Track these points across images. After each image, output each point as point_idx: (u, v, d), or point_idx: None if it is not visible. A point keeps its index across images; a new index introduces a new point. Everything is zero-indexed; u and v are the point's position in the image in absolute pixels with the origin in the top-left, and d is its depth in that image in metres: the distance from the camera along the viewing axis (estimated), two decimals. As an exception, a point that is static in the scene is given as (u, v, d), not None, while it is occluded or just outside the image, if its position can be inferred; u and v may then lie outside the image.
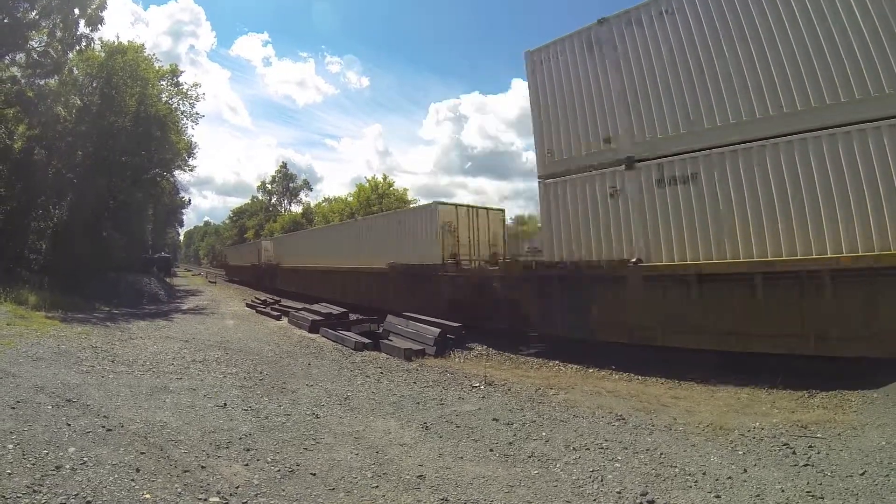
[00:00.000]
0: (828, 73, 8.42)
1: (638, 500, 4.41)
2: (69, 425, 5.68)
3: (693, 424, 6.50)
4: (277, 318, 18.95)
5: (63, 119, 24.54)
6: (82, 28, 24.80)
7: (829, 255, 8.28)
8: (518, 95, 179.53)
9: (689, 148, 9.97)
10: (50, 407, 6.32)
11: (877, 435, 5.76)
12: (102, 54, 25.87)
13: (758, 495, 4.45)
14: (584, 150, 11.81)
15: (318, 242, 29.69)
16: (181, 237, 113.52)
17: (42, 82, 24.08)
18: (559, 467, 5.18)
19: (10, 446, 4.92)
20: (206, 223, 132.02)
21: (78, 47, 24.86)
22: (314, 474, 4.85)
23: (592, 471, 5.05)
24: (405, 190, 50.05)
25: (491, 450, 5.71)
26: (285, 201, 77.00)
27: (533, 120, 13.05)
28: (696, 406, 7.42)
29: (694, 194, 9.86)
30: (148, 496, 4.15)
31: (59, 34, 23.87)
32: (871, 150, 8.00)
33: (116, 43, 26.68)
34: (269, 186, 78.05)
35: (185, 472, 4.71)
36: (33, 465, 4.55)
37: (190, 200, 60.19)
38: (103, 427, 5.71)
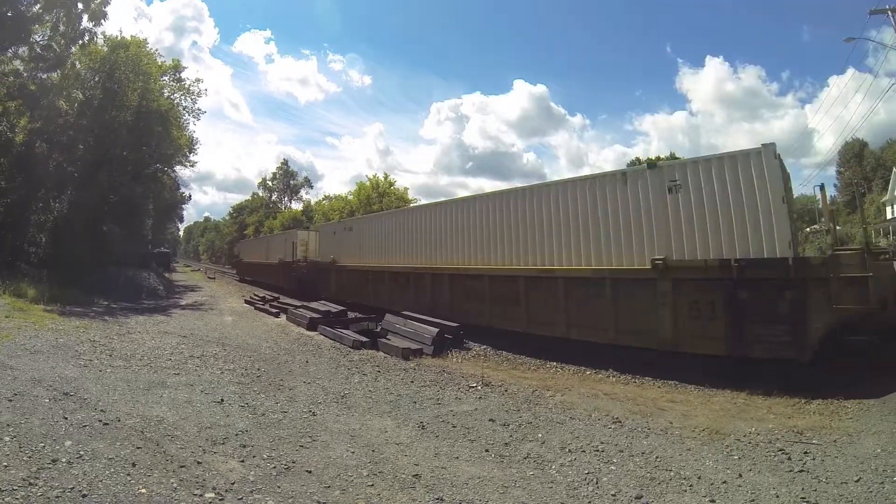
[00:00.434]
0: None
1: (632, 503, 4.43)
2: (66, 419, 5.68)
3: (689, 428, 6.51)
4: (276, 315, 18.90)
5: (65, 113, 24.57)
6: (85, 22, 24.87)
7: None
8: (519, 96, 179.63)
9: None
10: (47, 400, 6.32)
11: (872, 442, 5.79)
12: (105, 49, 25.89)
13: (752, 500, 4.46)
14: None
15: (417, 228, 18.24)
16: (181, 233, 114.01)
17: (44, 76, 24.04)
18: (555, 469, 5.19)
19: (7, 439, 4.92)
20: (206, 219, 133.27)
21: (81, 41, 24.86)
22: (310, 472, 4.85)
23: (588, 473, 5.06)
24: (405, 189, 50.17)
25: (487, 450, 5.71)
26: (286, 198, 77.29)
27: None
28: (693, 410, 7.42)
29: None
30: (143, 491, 4.15)
31: (62, 28, 23.91)
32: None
33: (119, 38, 26.76)
34: (269, 183, 78.46)
35: (182, 467, 4.70)
36: (30, 457, 4.55)
37: (190, 196, 60.40)
38: (100, 421, 5.71)
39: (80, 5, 24.14)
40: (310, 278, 26.75)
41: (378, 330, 13.91)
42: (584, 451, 5.67)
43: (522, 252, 13.26)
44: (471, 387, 8.80)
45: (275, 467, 4.90)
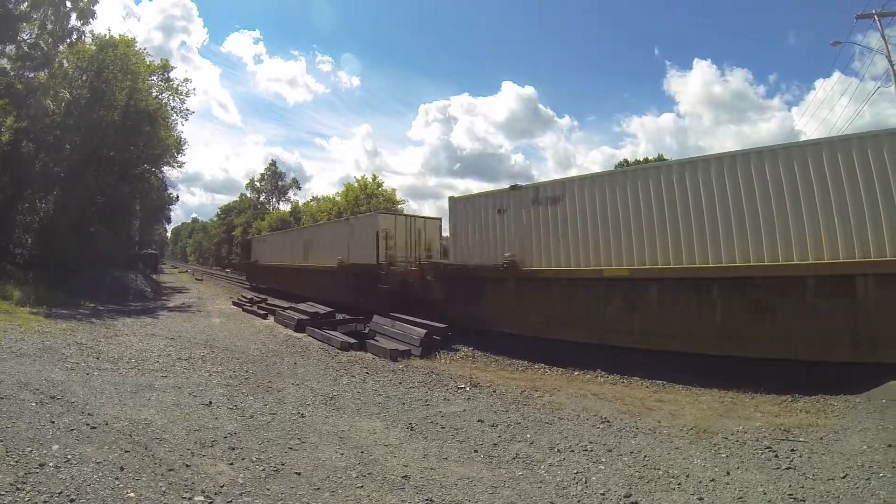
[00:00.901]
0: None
1: (622, 502, 4.46)
2: (53, 423, 5.62)
3: (677, 427, 6.55)
4: (264, 316, 18.83)
5: (51, 112, 24.29)
6: (73, 21, 24.74)
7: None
8: (508, 97, 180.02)
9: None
10: (34, 404, 6.25)
11: (858, 439, 5.83)
12: (93, 48, 25.62)
13: (740, 497, 4.49)
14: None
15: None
16: (168, 234, 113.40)
17: (31, 75, 23.83)
18: (543, 469, 5.21)
19: (-7, 443, 4.87)
20: (194, 220, 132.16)
21: (69, 40, 24.69)
22: (299, 474, 4.85)
23: (577, 472, 5.08)
24: (393, 190, 50.05)
25: (475, 451, 5.73)
26: (274, 199, 76.90)
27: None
28: (681, 409, 7.47)
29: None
30: (132, 495, 4.12)
31: (49, 27, 23.72)
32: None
33: (108, 37, 26.48)
34: (257, 184, 77.94)
35: (170, 470, 4.68)
36: (16, 462, 4.50)
37: (178, 197, 59.63)
38: (87, 425, 5.67)
39: (68, 4, 24.04)
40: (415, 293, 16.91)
41: (366, 331, 13.88)
42: (572, 451, 5.69)
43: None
44: (459, 388, 8.81)
45: (264, 469, 4.89)
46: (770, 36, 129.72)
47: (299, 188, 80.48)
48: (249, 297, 25.14)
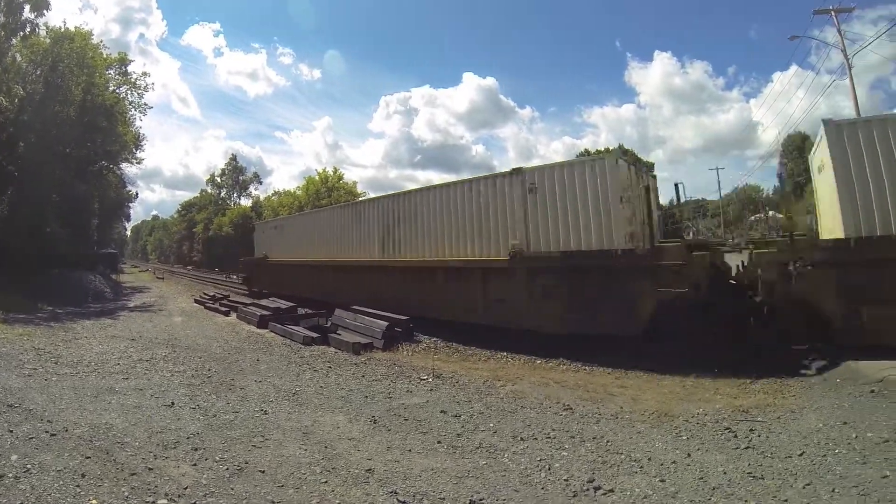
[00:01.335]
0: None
1: (585, 487, 4.49)
2: (11, 432, 5.49)
3: (639, 412, 6.66)
4: (226, 313, 18.60)
5: (4, 109, 23.38)
6: (27, 13, 23.74)
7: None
8: (469, 89, 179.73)
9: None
10: (-10, 413, 6.07)
11: (815, 418, 6.04)
12: (48, 41, 24.80)
13: (701, 478, 4.59)
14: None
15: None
16: (128, 232, 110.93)
17: (-19, 70, 22.92)
18: (507, 457, 5.23)
19: (-52, 455, 4.72)
20: (155, 217, 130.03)
21: (21, 33, 23.74)
22: (263, 471, 4.81)
23: (540, 460, 5.11)
24: (354, 183, 50.70)
25: (439, 442, 5.73)
26: (235, 195, 75.87)
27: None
28: (642, 394, 7.60)
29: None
30: (94, 502, 4.06)
31: (1, 19, 22.76)
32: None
33: (63, 29, 25.66)
34: (218, 179, 76.82)
35: (132, 474, 4.61)
36: (-28, 475, 4.36)
37: (137, 194, 57.68)
38: (47, 432, 5.55)
39: (20, -6, 23.06)
40: None
41: (328, 325, 13.82)
42: (535, 439, 5.73)
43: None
44: (422, 379, 8.79)
45: (227, 469, 4.84)
46: (730, 29, 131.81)
47: (260, 183, 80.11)
48: (212, 294, 24.70)
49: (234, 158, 77.49)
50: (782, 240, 10.20)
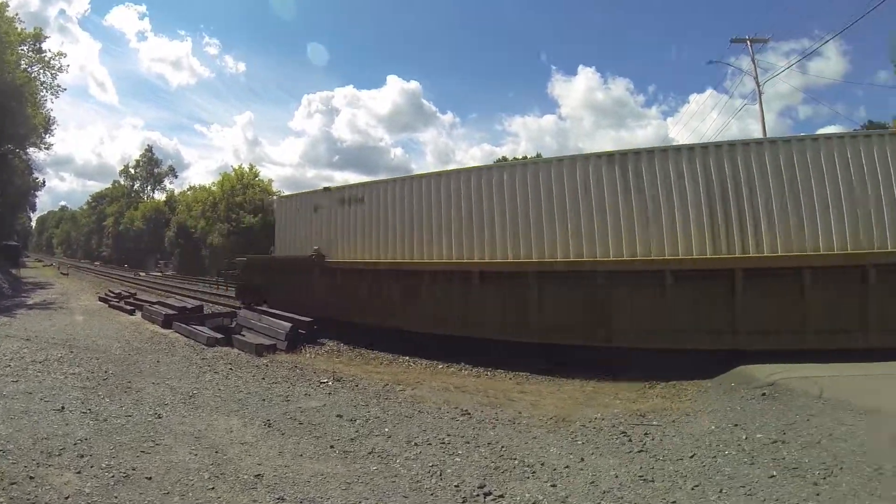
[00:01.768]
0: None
1: (475, 493, 4.36)
2: None
3: (537, 417, 6.64)
4: (131, 312, 17.55)
5: None
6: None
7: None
8: (392, 91, 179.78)
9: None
10: None
11: (707, 420, 6.19)
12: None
13: (592, 482, 4.52)
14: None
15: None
16: (33, 223, 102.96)
17: None
18: (399, 463, 5.06)
19: None
20: (63, 208, 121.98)
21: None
22: (150, 478, 4.52)
23: (432, 465, 4.95)
24: (270, 181, 49.92)
25: (332, 446, 5.50)
26: (148, 188, 72.73)
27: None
28: (542, 399, 7.63)
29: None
30: (-31, 513, 3.53)
31: None
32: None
33: (-30, -1, 23.30)
34: (132, 171, 73.57)
35: (12, 484, 4.28)
36: None
37: (44, 182, 53.77)
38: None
39: None
40: None
41: (233, 326, 13.42)
42: (429, 444, 5.56)
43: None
44: (322, 382, 8.58)
45: (113, 476, 4.52)
46: (653, 50, 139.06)
47: (176, 176, 76.88)
48: (117, 291, 23.14)
49: (149, 150, 74.48)
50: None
